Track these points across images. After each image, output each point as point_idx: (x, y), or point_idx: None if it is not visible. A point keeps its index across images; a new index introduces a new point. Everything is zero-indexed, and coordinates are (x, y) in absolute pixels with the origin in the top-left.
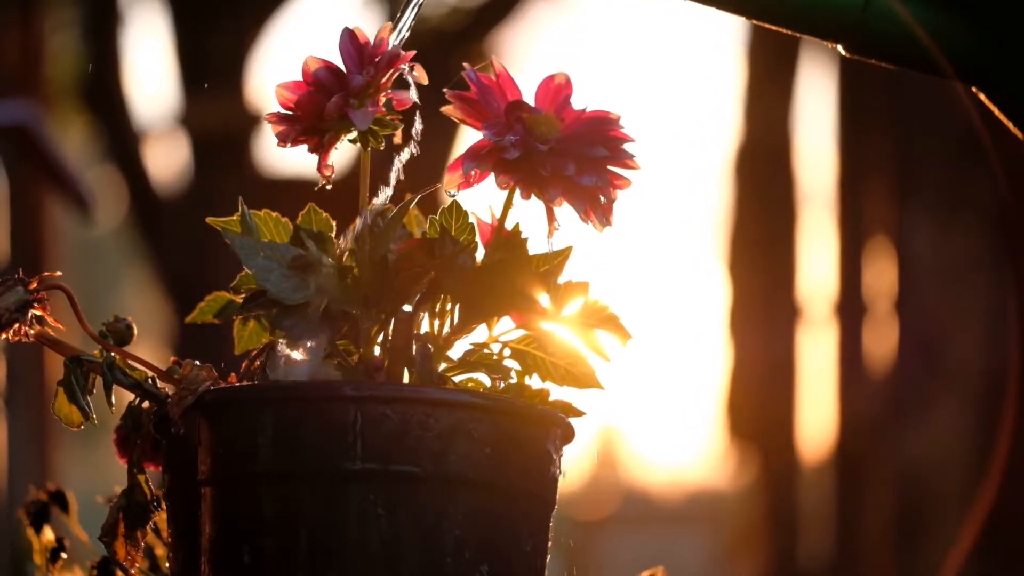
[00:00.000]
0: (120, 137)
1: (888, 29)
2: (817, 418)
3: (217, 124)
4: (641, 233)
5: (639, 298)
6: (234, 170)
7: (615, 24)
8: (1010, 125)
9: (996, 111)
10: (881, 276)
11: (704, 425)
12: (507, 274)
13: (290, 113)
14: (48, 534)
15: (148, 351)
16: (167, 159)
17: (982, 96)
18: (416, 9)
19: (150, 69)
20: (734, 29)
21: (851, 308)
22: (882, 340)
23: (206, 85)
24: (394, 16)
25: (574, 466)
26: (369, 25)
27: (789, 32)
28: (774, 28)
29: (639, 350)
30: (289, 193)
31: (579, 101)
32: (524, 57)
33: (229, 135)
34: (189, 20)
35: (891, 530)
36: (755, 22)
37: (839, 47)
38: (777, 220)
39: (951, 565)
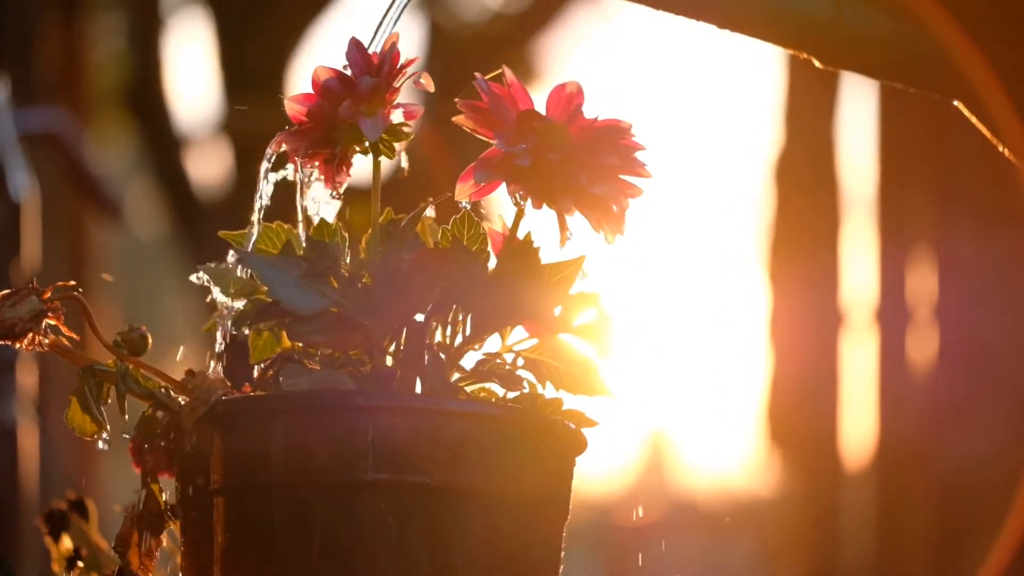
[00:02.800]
0: (162, 144)
1: (859, 42)
2: (859, 425)
3: (259, 131)
4: (683, 239)
5: (680, 305)
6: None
7: (657, 29)
8: (989, 136)
9: (975, 122)
10: (923, 283)
11: (746, 432)
12: (519, 284)
13: (301, 128)
14: (66, 543)
15: (190, 359)
16: (209, 166)
17: (961, 108)
18: (401, 10)
19: (192, 76)
20: None
21: (893, 315)
22: (924, 347)
23: (247, 94)
24: (433, 22)
25: (619, 472)
26: (410, 31)
27: (765, 42)
28: (751, 39)
29: (682, 356)
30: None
31: (592, 109)
32: (567, 62)
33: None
34: (231, 27)
35: (933, 537)
36: (732, 32)
37: (813, 59)
38: (819, 226)
39: (993, 572)
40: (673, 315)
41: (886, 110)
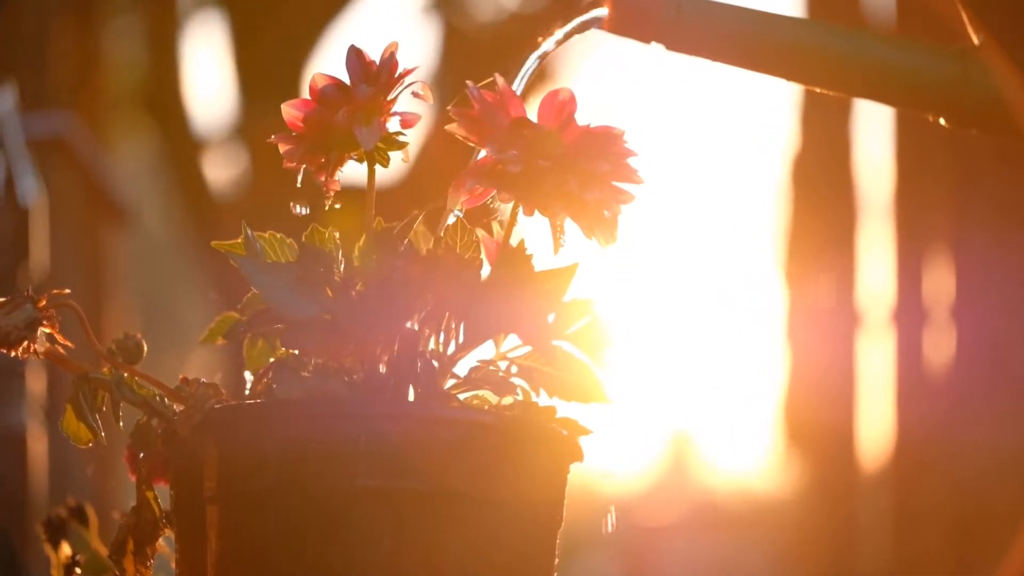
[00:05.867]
0: (173, 149)
1: (986, 102)
2: (876, 425)
3: (275, 132)
4: (700, 241)
5: (697, 307)
6: (292, 178)
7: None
8: None
9: None
10: (940, 282)
11: (764, 432)
12: (512, 291)
13: (295, 133)
14: (65, 549)
15: (205, 363)
16: (222, 170)
17: None
18: (535, 64)
19: (205, 80)
20: None
21: (910, 315)
22: (941, 347)
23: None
24: (448, 23)
25: (640, 472)
26: (424, 32)
27: (895, 107)
28: (878, 103)
29: (700, 357)
30: (347, 201)
31: (585, 116)
32: (583, 63)
33: None
34: (246, 31)
35: (951, 537)
36: (863, 99)
37: (941, 120)
38: (836, 227)
39: (1012, 572)
40: (690, 317)
41: (902, 110)
